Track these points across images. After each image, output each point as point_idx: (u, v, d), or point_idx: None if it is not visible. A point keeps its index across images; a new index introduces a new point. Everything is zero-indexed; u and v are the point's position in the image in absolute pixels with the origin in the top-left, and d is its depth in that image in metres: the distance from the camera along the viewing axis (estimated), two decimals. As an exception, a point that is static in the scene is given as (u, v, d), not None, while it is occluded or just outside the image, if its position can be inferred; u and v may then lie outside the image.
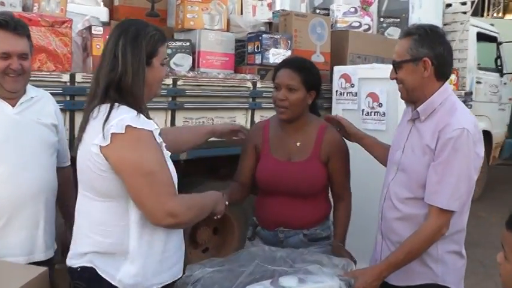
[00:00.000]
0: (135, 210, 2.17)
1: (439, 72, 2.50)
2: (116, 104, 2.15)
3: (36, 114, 2.70)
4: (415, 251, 2.45)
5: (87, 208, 2.24)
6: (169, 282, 2.31)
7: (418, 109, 2.53)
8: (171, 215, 2.12)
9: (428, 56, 2.45)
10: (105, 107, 2.15)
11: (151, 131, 2.15)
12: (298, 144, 2.92)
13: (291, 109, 2.84)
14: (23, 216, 2.60)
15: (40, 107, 2.74)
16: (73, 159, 2.75)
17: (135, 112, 2.14)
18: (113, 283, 2.18)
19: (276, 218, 2.91)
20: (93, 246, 2.21)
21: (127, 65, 2.17)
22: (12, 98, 2.62)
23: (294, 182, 2.86)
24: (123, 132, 2.07)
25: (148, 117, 2.21)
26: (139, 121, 2.12)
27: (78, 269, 2.25)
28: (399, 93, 2.56)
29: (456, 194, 2.40)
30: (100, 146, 2.08)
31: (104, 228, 2.19)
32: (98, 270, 2.20)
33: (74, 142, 3.29)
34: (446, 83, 2.57)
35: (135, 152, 2.09)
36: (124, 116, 2.10)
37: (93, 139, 2.10)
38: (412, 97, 2.55)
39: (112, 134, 2.07)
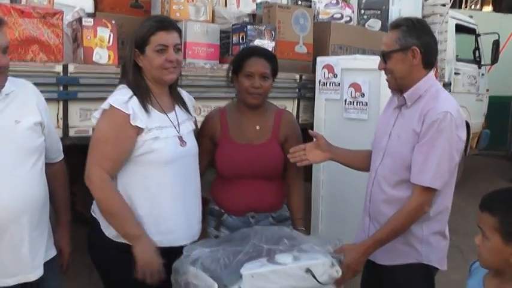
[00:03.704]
0: (119, 175, 2.57)
1: (426, 61, 2.63)
2: (120, 86, 2.65)
3: (14, 116, 2.37)
4: (399, 228, 2.58)
5: None
6: (162, 246, 2.56)
7: (404, 95, 2.65)
8: (88, 178, 2.50)
9: (416, 45, 2.58)
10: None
11: (128, 114, 2.49)
12: (257, 128, 3.00)
13: (263, 96, 2.95)
14: (7, 237, 2.33)
15: (19, 104, 2.42)
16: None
17: (129, 95, 2.55)
18: (104, 232, 2.58)
19: (246, 203, 2.94)
20: None
21: (126, 56, 2.67)
22: None
23: (258, 164, 2.93)
24: (107, 108, 2.52)
25: (146, 100, 2.59)
26: (122, 103, 2.51)
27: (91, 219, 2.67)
28: (381, 84, 2.70)
29: (439, 173, 2.52)
30: (97, 117, 2.58)
31: None
32: (98, 220, 2.61)
33: (67, 131, 3.40)
34: (431, 71, 2.70)
35: (100, 122, 2.55)
36: (114, 97, 2.55)
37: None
38: (401, 85, 2.67)
39: (103, 109, 2.54)
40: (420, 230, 2.64)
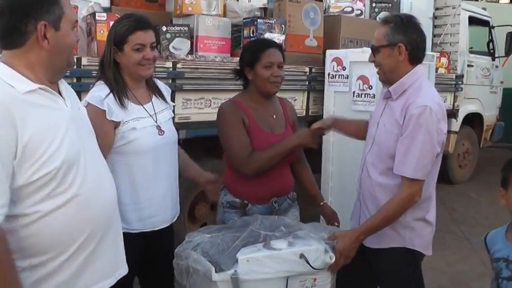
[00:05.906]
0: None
1: (412, 57, 2.77)
2: (98, 82, 2.79)
3: (77, 105, 2.23)
4: (389, 216, 2.71)
5: None
6: (145, 230, 2.80)
7: (390, 89, 2.80)
8: None
9: (402, 42, 2.72)
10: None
11: (104, 110, 2.64)
12: (274, 117, 3.15)
13: (280, 84, 3.10)
14: (112, 233, 2.17)
15: (69, 92, 2.20)
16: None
17: (105, 92, 2.69)
18: None
19: (270, 190, 3.07)
20: None
21: (104, 52, 2.77)
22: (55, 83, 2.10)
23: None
24: (86, 105, 2.60)
25: (122, 95, 2.72)
26: (98, 100, 2.65)
27: None
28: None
29: (420, 165, 2.64)
30: None
31: None
32: None
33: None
34: (418, 66, 2.82)
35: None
36: (90, 94, 2.71)
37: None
38: (389, 78, 2.81)
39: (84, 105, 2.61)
40: (403, 216, 2.75)
